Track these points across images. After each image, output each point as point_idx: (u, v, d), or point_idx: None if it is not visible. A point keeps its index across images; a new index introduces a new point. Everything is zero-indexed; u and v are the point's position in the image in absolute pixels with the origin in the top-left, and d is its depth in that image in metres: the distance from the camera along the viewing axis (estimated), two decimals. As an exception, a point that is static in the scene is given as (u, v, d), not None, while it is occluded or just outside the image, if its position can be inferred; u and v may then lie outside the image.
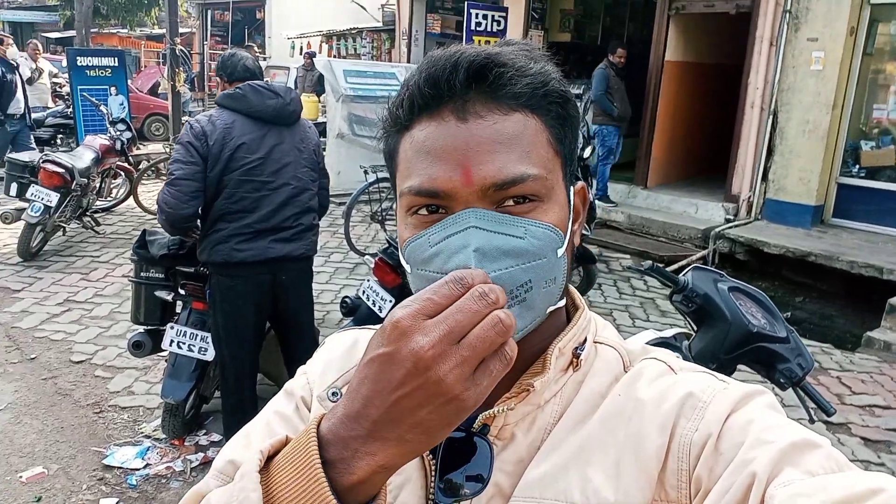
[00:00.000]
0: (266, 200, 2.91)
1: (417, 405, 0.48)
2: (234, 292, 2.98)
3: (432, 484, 0.67)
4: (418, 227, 0.65)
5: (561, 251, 0.65)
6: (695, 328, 2.32)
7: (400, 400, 0.48)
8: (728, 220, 7.49)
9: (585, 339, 0.71)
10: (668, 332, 2.44)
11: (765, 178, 7.40)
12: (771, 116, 7.25)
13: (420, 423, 0.48)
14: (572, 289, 0.74)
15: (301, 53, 17.09)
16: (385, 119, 0.71)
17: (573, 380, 0.69)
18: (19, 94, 8.58)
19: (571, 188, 0.70)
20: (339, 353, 0.79)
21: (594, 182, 7.23)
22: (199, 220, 3.02)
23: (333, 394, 0.70)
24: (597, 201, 7.62)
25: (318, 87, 11.75)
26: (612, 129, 7.91)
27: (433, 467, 0.67)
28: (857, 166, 7.14)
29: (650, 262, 2.28)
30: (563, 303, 0.70)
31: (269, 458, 0.55)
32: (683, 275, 2.30)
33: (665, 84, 8.44)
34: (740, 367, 2.21)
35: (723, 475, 0.56)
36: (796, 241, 6.53)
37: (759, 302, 2.29)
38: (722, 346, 2.16)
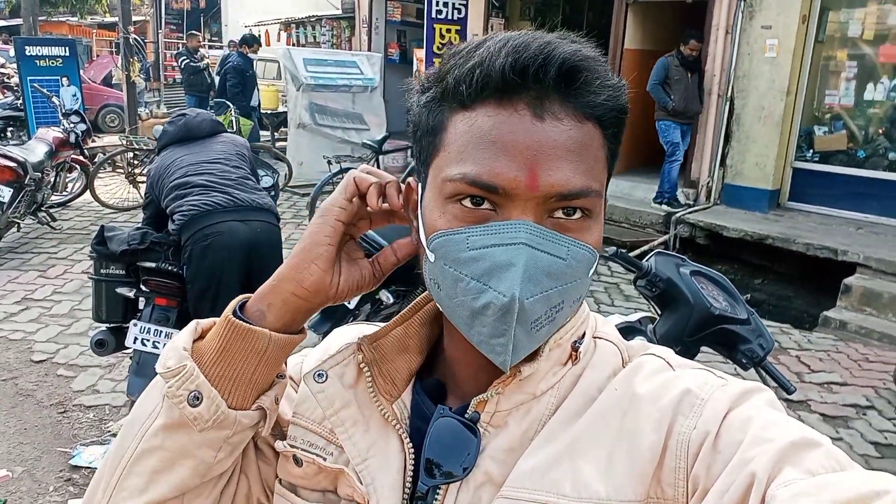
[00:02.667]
0: (212, 168, 3.25)
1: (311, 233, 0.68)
2: (211, 249, 3.04)
3: (411, 469, 0.68)
4: (458, 219, 0.61)
5: (591, 271, 0.64)
6: (659, 312, 2.38)
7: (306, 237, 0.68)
8: (688, 205, 7.64)
9: (584, 334, 0.71)
10: (634, 317, 2.49)
11: (723, 163, 7.56)
12: (728, 103, 7.39)
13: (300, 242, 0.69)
14: None
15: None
16: (433, 86, 0.65)
17: (571, 373, 0.69)
18: None
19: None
20: (341, 342, 0.77)
21: None
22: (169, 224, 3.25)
23: (319, 375, 0.72)
24: (662, 205, 7.37)
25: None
26: (668, 124, 7.37)
27: (411, 453, 0.68)
28: (811, 151, 7.34)
29: (614, 248, 2.33)
30: None
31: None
32: (647, 260, 2.35)
33: (625, 72, 8.52)
34: (703, 348, 2.27)
35: (721, 474, 0.56)
36: (754, 225, 6.70)
37: (720, 285, 2.35)
38: (685, 329, 2.22)
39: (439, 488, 0.66)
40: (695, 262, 2.42)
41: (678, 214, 7.26)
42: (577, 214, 0.61)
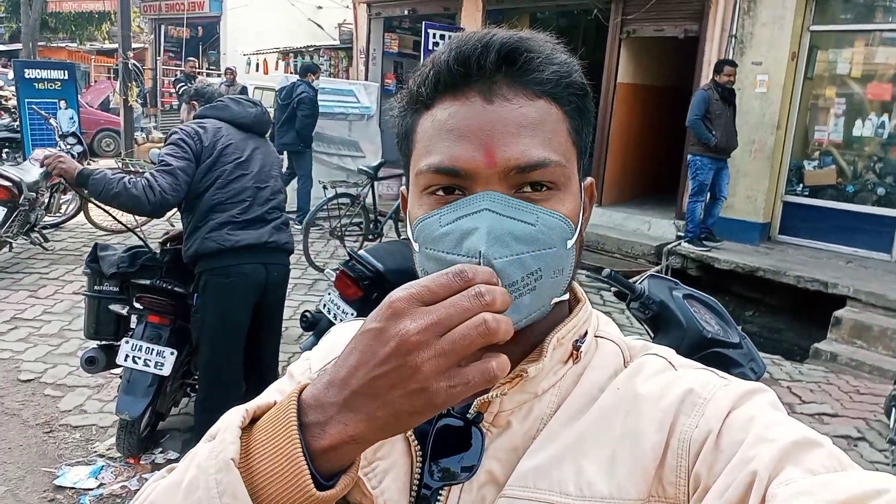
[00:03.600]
0: (254, 192, 3.10)
1: (392, 385, 0.49)
2: (230, 290, 3.03)
3: (418, 471, 0.68)
4: (433, 208, 0.65)
5: (571, 242, 0.65)
6: (651, 334, 2.39)
7: (379, 376, 0.49)
8: (679, 237, 7.70)
9: (586, 333, 0.71)
10: (627, 340, 2.50)
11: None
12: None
13: (391, 403, 0.50)
14: (575, 284, 0.74)
15: (257, 70, 17.01)
16: (403, 97, 0.70)
17: (572, 372, 0.69)
18: None
19: (582, 183, 0.71)
20: (343, 340, 0.77)
21: None
22: (182, 216, 3.17)
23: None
24: (685, 244, 7.11)
25: None
26: (705, 161, 6.80)
27: (419, 454, 0.68)
28: (801, 185, 7.44)
29: (609, 269, 2.35)
30: (566, 296, 0.70)
31: (256, 421, 0.56)
32: (640, 283, 2.37)
33: (617, 105, 8.67)
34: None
35: (723, 473, 0.56)
36: (745, 258, 6.76)
37: (712, 309, 2.38)
38: (678, 352, 2.23)
39: (442, 489, 0.66)
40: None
41: (669, 246, 7.31)
42: (543, 189, 0.64)
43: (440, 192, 0.65)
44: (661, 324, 2.34)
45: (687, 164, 7.08)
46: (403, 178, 0.73)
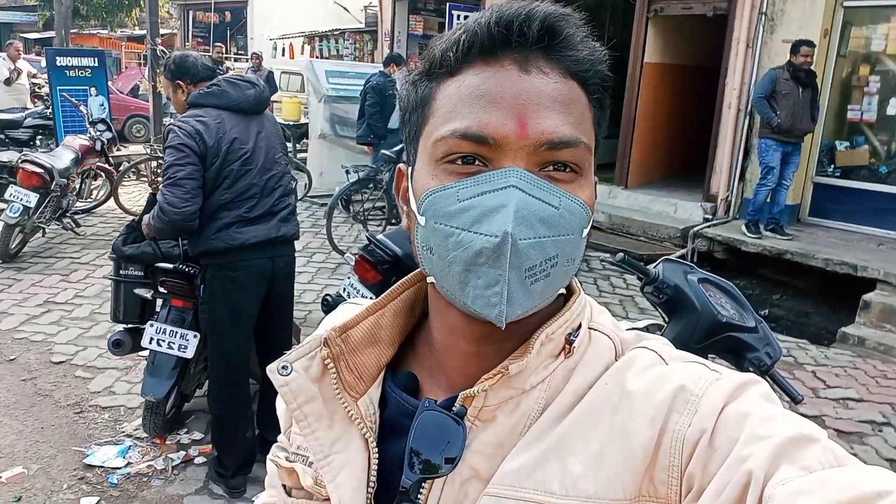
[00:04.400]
0: (260, 186, 3.00)
1: None
2: (237, 284, 3.00)
3: (374, 467, 0.67)
4: (449, 177, 0.61)
5: (586, 231, 0.64)
6: (666, 319, 2.38)
7: None
8: (706, 220, 7.59)
9: (580, 326, 0.68)
10: (641, 324, 2.49)
11: (742, 177, 7.52)
12: (747, 117, 7.36)
13: None
14: None
15: (283, 54, 17.09)
16: (422, 64, 0.66)
17: (563, 367, 0.66)
18: None
19: None
20: (348, 313, 0.75)
21: None
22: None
23: (283, 367, 0.69)
24: (743, 229, 6.78)
25: (267, 86, 11.68)
26: (770, 143, 6.52)
27: (375, 450, 0.68)
28: (833, 166, 7.27)
29: (622, 253, 2.33)
30: (563, 290, 0.68)
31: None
32: (654, 266, 2.35)
33: (644, 86, 8.54)
34: (710, 356, 2.26)
35: (718, 473, 0.54)
36: (773, 240, 6.64)
37: (728, 293, 2.35)
38: (692, 336, 2.22)
39: (424, 483, 0.65)
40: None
41: (696, 228, 7.22)
42: (568, 170, 0.62)
43: (458, 162, 0.61)
44: (675, 308, 2.32)
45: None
46: (406, 157, 0.69)
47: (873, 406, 4.18)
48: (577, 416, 0.63)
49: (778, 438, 0.53)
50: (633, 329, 2.26)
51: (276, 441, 0.82)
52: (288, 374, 0.69)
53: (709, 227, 7.28)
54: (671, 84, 8.86)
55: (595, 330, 0.69)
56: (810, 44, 6.35)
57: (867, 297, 5.53)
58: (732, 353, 2.28)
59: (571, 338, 0.67)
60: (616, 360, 0.67)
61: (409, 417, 0.67)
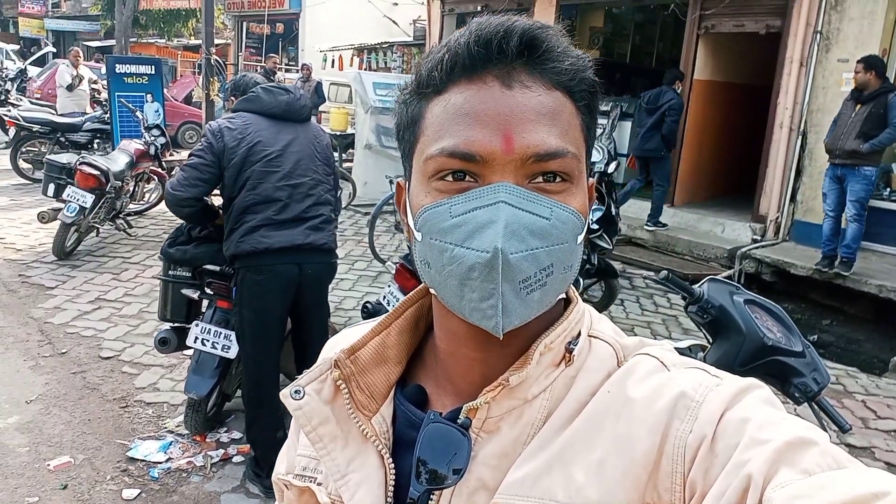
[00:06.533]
0: (288, 191, 3.02)
1: None
2: (262, 287, 3.02)
3: (392, 483, 0.68)
4: (441, 194, 0.63)
5: (580, 238, 0.64)
6: (710, 340, 2.33)
7: None
8: (755, 241, 7.42)
9: (579, 334, 0.69)
10: (684, 344, 2.45)
11: (793, 199, 7.34)
12: (800, 137, 7.20)
13: None
14: None
15: (332, 66, 17.39)
16: (410, 83, 0.68)
17: (565, 375, 0.67)
18: None
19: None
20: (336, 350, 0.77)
21: (616, 197, 6.54)
22: (219, 212, 3.18)
23: (296, 392, 0.71)
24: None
25: (316, 97, 11.86)
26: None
27: (392, 467, 0.68)
28: (889, 189, 7.04)
29: (666, 271, 2.30)
30: (563, 294, 0.68)
31: None
32: (699, 286, 2.31)
33: (693, 103, 8.42)
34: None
35: (718, 478, 0.55)
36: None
37: (775, 315, 2.29)
38: (736, 359, 2.17)
39: (432, 495, 0.65)
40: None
41: (744, 249, 7.07)
42: (558, 179, 0.62)
43: (449, 178, 0.62)
44: (719, 329, 2.27)
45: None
46: (403, 169, 0.71)
47: (926, 439, 4.02)
48: (580, 424, 0.64)
49: (777, 442, 0.53)
50: (676, 349, 2.22)
51: (282, 450, 0.84)
52: (301, 398, 0.71)
53: (757, 248, 7.12)
54: (721, 102, 8.73)
55: (595, 337, 0.70)
56: (860, 60, 5.99)
57: (922, 326, 5.33)
58: (778, 378, 2.22)
59: (571, 346, 0.67)
60: (618, 367, 0.67)
61: (416, 429, 0.68)
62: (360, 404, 0.70)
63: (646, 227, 7.98)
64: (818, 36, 6.98)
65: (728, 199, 8.89)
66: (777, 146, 7.44)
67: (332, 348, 0.78)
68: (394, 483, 0.68)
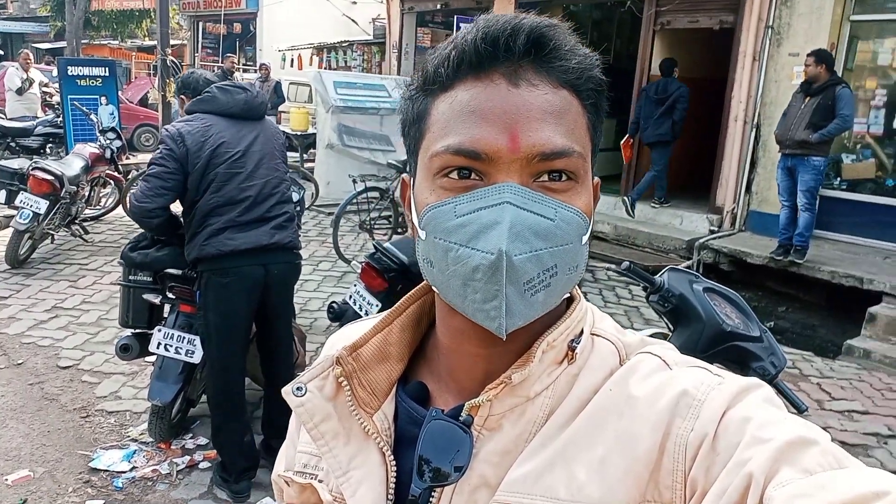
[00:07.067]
0: (252, 191, 2.98)
1: None
2: (229, 290, 2.98)
3: (393, 479, 0.68)
4: (446, 192, 0.62)
5: (585, 238, 0.64)
6: (671, 328, 2.39)
7: None
8: (712, 232, 7.59)
9: (582, 332, 0.69)
10: (646, 332, 2.50)
11: (748, 190, 7.53)
12: (754, 130, 7.39)
13: None
14: None
15: (291, 66, 17.21)
16: (417, 79, 0.67)
17: (567, 373, 0.67)
18: None
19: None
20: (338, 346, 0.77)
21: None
22: (181, 221, 3.10)
23: (298, 389, 0.72)
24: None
25: (275, 97, 11.82)
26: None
27: (393, 464, 0.69)
28: (839, 179, 7.26)
29: (628, 262, 2.34)
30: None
31: None
32: (660, 276, 2.36)
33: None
34: (715, 365, 2.26)
35: (719, 476, 0.55)
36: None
37: (733, 302, 2.36)
38: (697, 345, 2.23)
39: (434, 492, 0.66)
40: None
41: (702, 240, 7.22)
42: (563, 178, 0.62)
43: (454, 175, 0.62)
44: (680, 317, 2.33)
45: None
46: (408, 168, 0.71)
47: (878, 419, 4.16)
48: (582, 422, 0.64)
49: (778, 441, 0.54)
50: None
51: (281, 449, 0.84)
52: (303, 395, 0.71)
53: (714, 238, 7.29)
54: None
55: (597, 336, 0.70)
56: (811, 54, 6.16)
57: (873, 309, 5.52)
58: (737, 363, 2.28)
59: (574, 344, 0.67)
60: (620, 365, 0.67)
61: (417, 426, 0.68)
62: (362, 401, 0.70)
63: (652, 205, 8.36)
64: (770, 31, 7.17)
65: (686, 191, 9.06)
66: (732, 139, 7.62)
67: (334, 345, 0.79)
68: (395, 480, 0.68)
